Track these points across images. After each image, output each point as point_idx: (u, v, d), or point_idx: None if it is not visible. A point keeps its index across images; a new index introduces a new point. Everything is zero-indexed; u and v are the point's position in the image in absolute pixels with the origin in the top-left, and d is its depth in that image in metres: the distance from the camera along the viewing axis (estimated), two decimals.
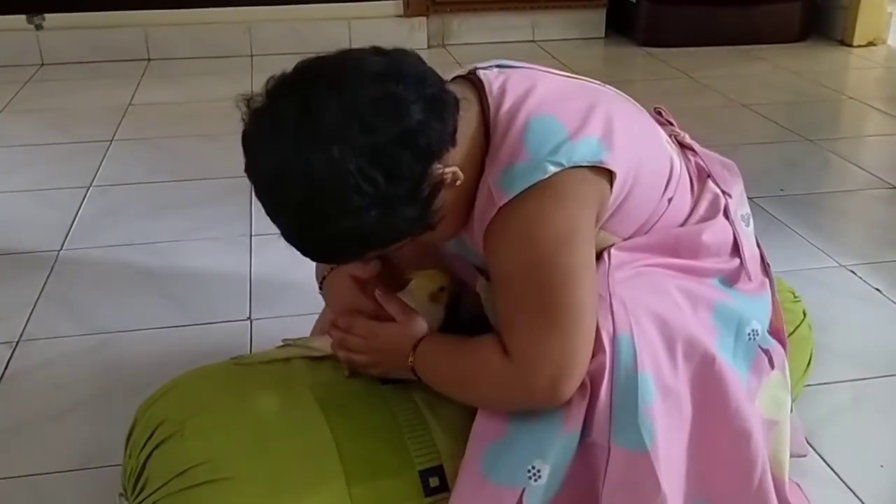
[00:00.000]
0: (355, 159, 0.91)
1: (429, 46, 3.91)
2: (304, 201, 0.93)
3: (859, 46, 3.90)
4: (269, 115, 0.95)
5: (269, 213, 0.98)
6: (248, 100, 0.97)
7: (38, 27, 3.57)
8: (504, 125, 1.01)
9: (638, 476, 1.00)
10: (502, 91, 1.04)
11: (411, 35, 3.88)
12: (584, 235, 1.01)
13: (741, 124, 2.96)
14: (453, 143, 0.98)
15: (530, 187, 0.97)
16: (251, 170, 0.97)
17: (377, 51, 1.00)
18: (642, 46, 3.92)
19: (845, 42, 3.94)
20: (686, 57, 3.73)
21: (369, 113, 0.92)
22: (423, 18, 3.90)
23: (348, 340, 1.14)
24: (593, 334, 1.00)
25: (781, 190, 2.37)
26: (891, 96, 3.32)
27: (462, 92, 1.03)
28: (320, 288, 1.24)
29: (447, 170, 0.97)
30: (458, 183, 0.99)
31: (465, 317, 1.19)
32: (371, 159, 0.91)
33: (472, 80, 1.08)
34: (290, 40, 3.77)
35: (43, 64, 3.66)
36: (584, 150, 1.00)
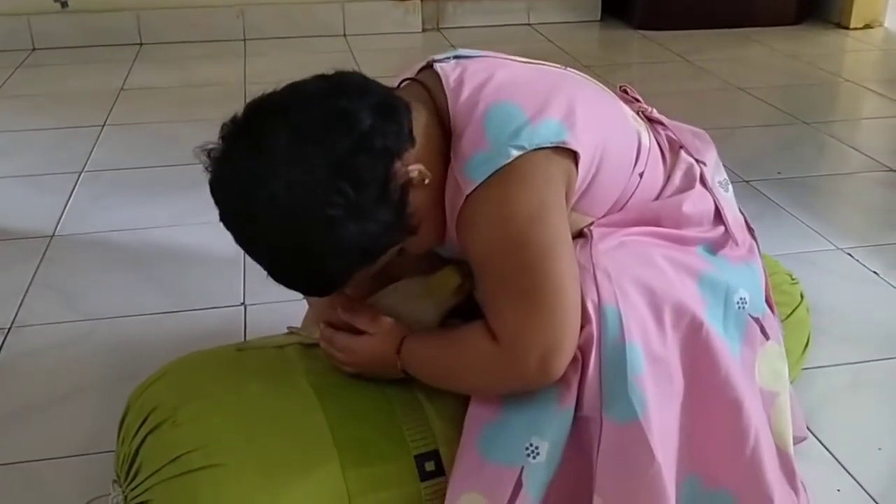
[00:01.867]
0: (316, 175, 0.93)
1: (423, 30, 3.89)
2: (279, 231, 0.95)
3: (856, 29, 3.89)
4: (224, 160, 0.97)
5: (253, 257, 1.00)
6: (208, 150, 0.98)
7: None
8: (464, 116, 1.02)
9: (631, 447, 1.00)
10: (460, 82, 1.05)
11: (405, 19, 3.86)
12: (555, 211, 1.01)
13: (738, 107, 2.95)
14: (412, 142, 0.99)
15: (495, 173, 0.98)
16: (223, 218, 0.98)
17: (319, 77, 1.02)
18: (638, 30, 3.89)
19: (842, 25, 3.92)
20: (682, 40, 3.71)
21: (319, 131, 0.94)
22: (418, 2, 3.87)
23: (333, 355, 1.13)
24: (578, 308, 1.00)
25: (778, 173, 2.36)
26: (888, 79, 3.31)
27: (412, 94, 1.05)
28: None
29: (411, 167, 0.98)
30: (427, 181, 1.00)
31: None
32: (332, 172, 0.93)
33: (422, 81, 1.08)
34: (283, 24, 3.75)
35: (34, 48, 3.64)
36: (545, 132, 1.00)
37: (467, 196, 0.99)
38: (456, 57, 1.10)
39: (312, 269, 0.99)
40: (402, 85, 1.12)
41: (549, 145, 1.00)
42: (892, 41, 3.81)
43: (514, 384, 1.02)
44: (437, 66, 1.08)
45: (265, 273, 1.00)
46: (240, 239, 0.99)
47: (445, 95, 1.04)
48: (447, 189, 1.03)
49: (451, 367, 1.07)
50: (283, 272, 1.00)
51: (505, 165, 0.98)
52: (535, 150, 0.99)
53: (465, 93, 1.03)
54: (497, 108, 1.01)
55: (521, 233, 0.98)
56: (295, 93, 0.99)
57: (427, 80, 1.08)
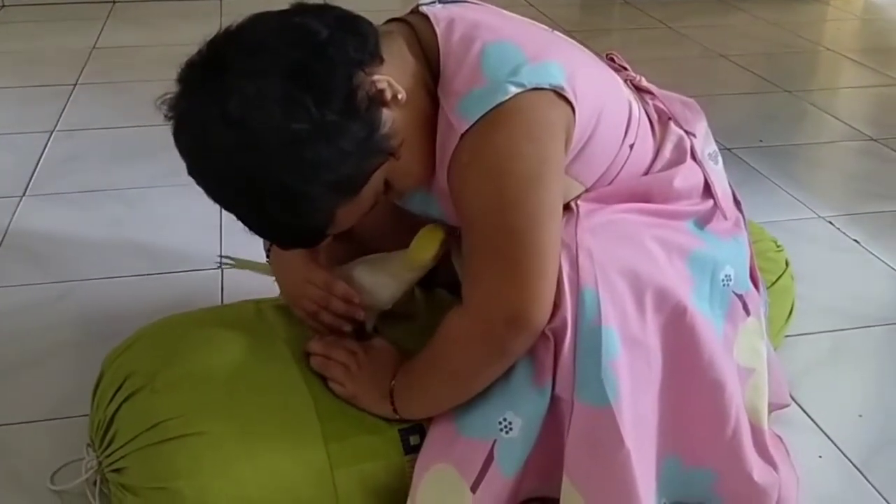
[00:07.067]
0: (272, 87, 0.88)
1: None
2: (244, 159, 0.89)
3: None
4: (180, 97, 0.92)
5: (226, 204, 0.95)
6: (167, 99, 0.94)
7: None
8: (457, 55, 0.97)
9: (601, 432, 0.98)
10: (450, 22, 1.00)
11: None
12: (555, 172, 0.97)
13: (719, 75, 2.93)
14: (378, 57, 0.94)
15: (492, 110, 0.93)
16: (189, 168, 0.94)
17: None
18: None
19: None
20: (664, 6, 3.68)
21: (275, 43, 0.90)
22: None
23: (330, 367, 1.10)
24: (555, 279, 0.96)
25: (760, 141, 2.35)
26: (867, 48, 3.31)
27: (391, 28, 1.01)
28: (267, 257, 1.20)
29: (377, 77, 0.93)
30: (401, 98, 0.95)
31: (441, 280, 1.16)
32: (290, 82, 0.88)
33: (406, 20, 1.04)
34: None
35: (4, 5, 3.54)
36: (545, 74, 0.96)
37: (462, 135, 0.94)
38: (441, 1, 1.06)
39: (288, 203, 0.91)
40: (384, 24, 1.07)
41: (548, 87, 0.95)
42: (871, 10, 3.80)
43: (481, 353, 0.98)
44: (424, 8, 1.03)
45: (244, 227, 0.95)
46: (208, 184, 0.94)
47: (435, 34, 0.99)
48: (439, 131, 0.98)
49: (433, 360, 1.03)
50: (259, 215, 0.94)
51: (503, 103, 0.93)
52: (535, 89, 0.94)
53: (458, 32, 0.99)
54: (495, 46, 0.97)
55: (517, 192, 0.94)
56: (249, 19, 0.95)
57: (412, 20, 1.03)
